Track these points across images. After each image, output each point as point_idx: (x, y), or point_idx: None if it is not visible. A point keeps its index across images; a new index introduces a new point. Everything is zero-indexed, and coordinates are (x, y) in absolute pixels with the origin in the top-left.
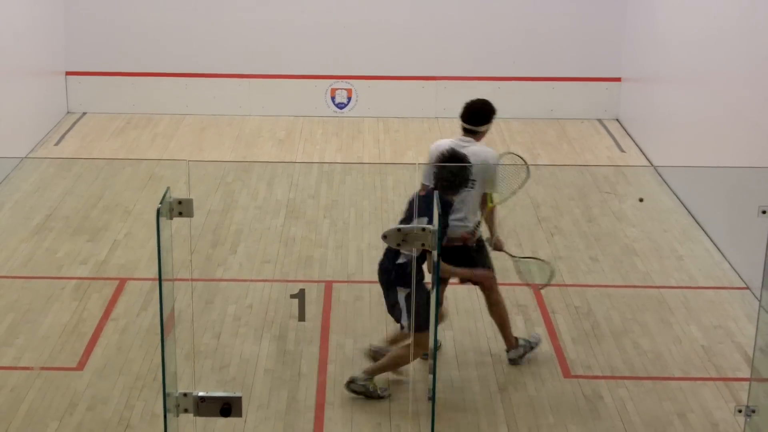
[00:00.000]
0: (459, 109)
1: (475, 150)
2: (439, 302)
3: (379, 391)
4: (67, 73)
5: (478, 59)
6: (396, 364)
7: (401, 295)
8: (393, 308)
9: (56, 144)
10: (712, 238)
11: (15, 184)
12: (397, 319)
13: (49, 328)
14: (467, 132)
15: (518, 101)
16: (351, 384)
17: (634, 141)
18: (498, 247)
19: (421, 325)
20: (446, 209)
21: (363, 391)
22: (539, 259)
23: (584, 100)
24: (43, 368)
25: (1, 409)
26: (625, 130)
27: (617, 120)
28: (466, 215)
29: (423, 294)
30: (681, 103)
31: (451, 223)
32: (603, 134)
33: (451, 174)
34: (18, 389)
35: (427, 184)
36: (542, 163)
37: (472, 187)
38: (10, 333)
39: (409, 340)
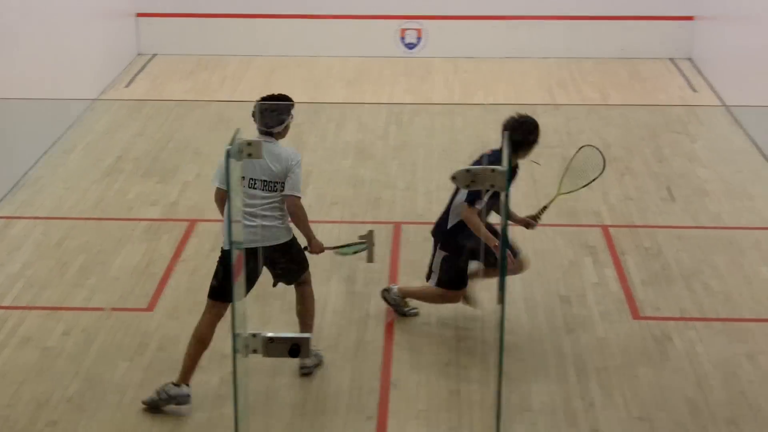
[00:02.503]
0: (530, 48)
1: (274, 150)
2: (508, 248)
3: (406, 310)
4: (138, 15)
5: None
6: (425, 299)
7: (438, 257)
8: (430, 264)
9: (127, 86)
10: None
11: (86, 125)
12: (427, 277)
13: (119, 270)
14: (265, 134)
15: (589, 40)
16: (385, 292)
17: (706, 80)
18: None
19: (446, 285)
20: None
21: (393, 303)
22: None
23: (656, 39)
24: (114, 309)
25: (72, 349)
26: (698, 70)
27: (690, 59)
28: None
29: (457, 262)
30: (755, 42)
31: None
32: (675, 74)
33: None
34: (89, 330)
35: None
36: (613, 103)
37: None
38: (81, 274)
39: (439, 292)
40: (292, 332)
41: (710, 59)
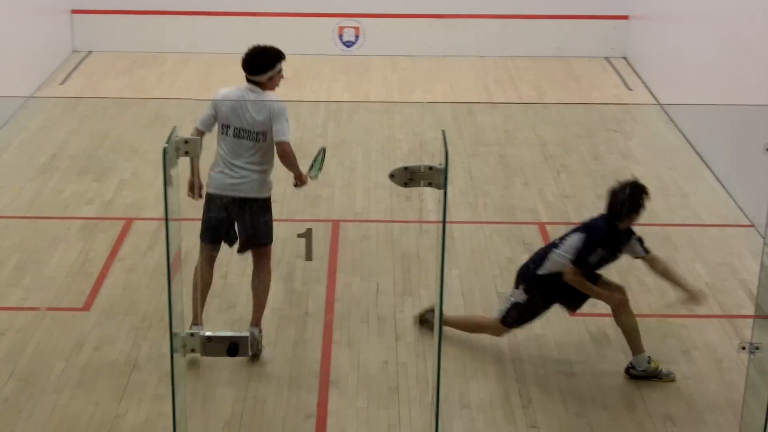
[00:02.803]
0: (467, 47)
1: (259, 99)
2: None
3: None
4: (73, 11)
5: None
6: (469, 329)
7: (516, 296)
8: (507, 300)
9: (62, 83)
10: (717, 176)
11: (20, 123)
12: (499, 310)
13: (55, 269)
14: (252, 83)
15: (525, 39)
16: (423, 321)
17: (641, 79)
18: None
19: (508, 324)
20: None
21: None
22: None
23: (591, 37)
24: (49, 309)
25: (8, 349)
26: (633, 69)
27: (624, 58)
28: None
29: (532, 309)
30: (688, 41)
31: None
32: (610, 72)
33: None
34: (24, 330)
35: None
36: (549, 101)
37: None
38: (16, 273)
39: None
40: (230, 331)
41: (645, 58)
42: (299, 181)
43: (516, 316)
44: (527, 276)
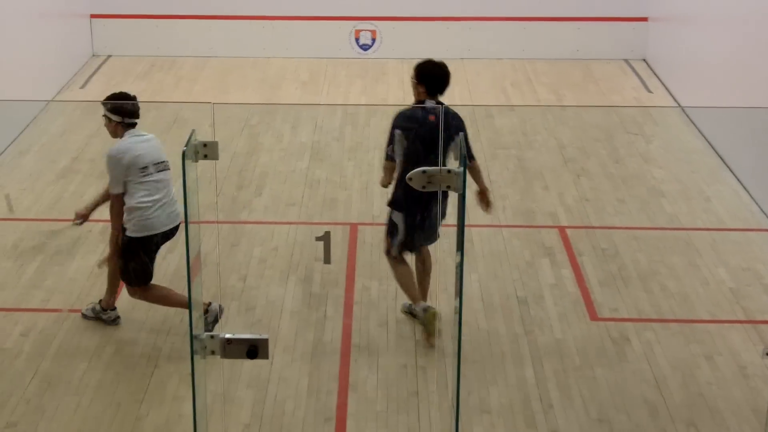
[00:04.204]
0: (484, 49)
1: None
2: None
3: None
4: (92, 16)
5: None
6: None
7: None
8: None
9: (82, 87)
10: (739, 180)
11: (41, 127)
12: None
13: (76, 271)
14: None
15: (543, 41)
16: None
17: (661, 81)
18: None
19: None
20: None
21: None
22: None
23: (610, 40)
24: (71, 310)
25: (30, 350)
26: (652, 71)
27: (644, 60)
28: None
29: None
30: (708, 43)
31: None
32: (630, 75)
33: None
34: (47, 331)
35: None
36: (568, 104)
37: None
38: (38, 275)
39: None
40: (250, 333)
41: (664, 60)
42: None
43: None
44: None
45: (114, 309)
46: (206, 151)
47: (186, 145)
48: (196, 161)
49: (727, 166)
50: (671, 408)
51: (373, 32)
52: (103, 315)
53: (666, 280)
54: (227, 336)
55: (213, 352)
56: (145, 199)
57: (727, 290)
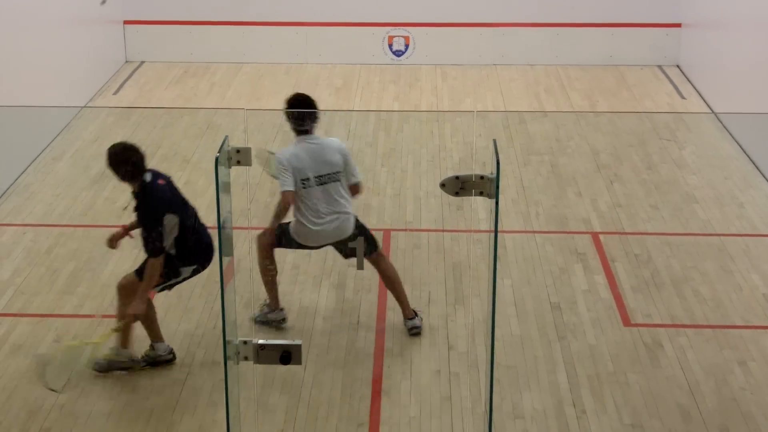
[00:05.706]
0: (517, 56)
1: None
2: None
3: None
4: (125, 22)
5: (536, 5)
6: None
7: None
8: None
9: (115, 93)
10: None
11: (75, 133)
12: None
13: (109, 277)
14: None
15: (576, 47)
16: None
17: (694, 87)
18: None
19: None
20: None
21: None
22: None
23: (644, 45)
24: (104, 316)
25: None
26: (686, 77)
27: (677, 66)
28: None
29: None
30: (742, 49)
31: None
32: (663, 80)
33: None
34: (80, 337)
35: None
36: (601, 110)
37: None
38: (71, 281)
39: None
40: (282, 339)
41: (698, 66)
42: None
43: None
44: None
45: (282, 309)
46: (239, 157)
47: (219, 151)
48: (229, 167)
49: (761, 172)
50: (704, 414)
51: (407, 38)
52: (271, 315)
53: (699, 285)
54: (260, 342)
55: (246, 358)
56: None
57: (760, 296)
